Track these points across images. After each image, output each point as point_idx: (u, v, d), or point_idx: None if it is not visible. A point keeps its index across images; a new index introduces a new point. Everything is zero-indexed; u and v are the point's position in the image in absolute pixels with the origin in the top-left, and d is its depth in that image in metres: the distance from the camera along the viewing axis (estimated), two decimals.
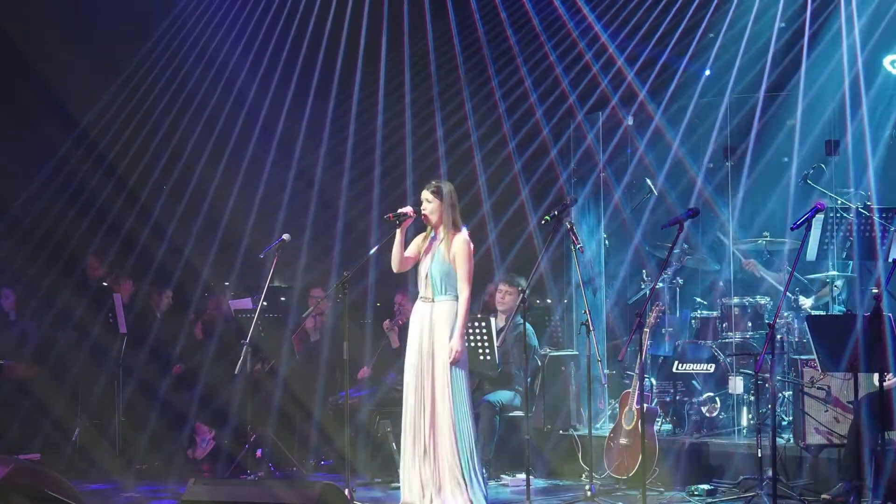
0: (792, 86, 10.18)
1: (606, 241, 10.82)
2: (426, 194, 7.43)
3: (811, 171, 9.19)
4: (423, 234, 7.54)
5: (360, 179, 11.88)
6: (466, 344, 7.60)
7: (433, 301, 7.36)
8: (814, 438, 8.01)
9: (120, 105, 11.66)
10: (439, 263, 7.34)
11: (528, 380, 8.19)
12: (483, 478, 7.39)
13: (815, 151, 9.83)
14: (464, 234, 7.38)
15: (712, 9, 10.57)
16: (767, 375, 7.72)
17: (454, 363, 7.23)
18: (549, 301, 10.91)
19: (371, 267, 10.30)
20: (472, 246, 7.38)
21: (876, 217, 8.70)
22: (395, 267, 7.53)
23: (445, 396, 7.21)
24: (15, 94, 11.09)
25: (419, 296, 7.47)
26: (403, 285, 9.79)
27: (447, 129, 11.65)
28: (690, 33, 10.75)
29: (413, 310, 7.52)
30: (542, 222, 7.92)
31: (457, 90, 11.65)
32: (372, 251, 7.87)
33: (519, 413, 8.63)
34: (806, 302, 9.23)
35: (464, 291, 7.29)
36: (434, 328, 7.30)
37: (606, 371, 9.34)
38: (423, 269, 7.43)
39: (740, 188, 10.18)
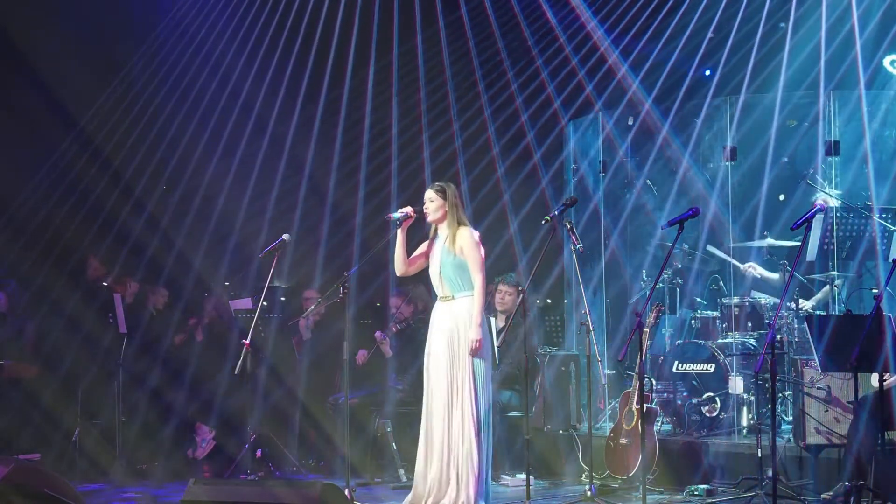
0: (792, 86, 10.19)
1: (607, 242, 10.82)
2: (430, 193, 7.39)
3: (811, 171, 9.18)
4: (430, 239, 7.52)
5: (371, 180, 11.91)
6: None
7: (454, 299, 7.32)
8: (814, 438, 8.00)
9: (120, 105, 11.67)
10: (450, 260, 7.28)
11: (528, 380, 8.18)
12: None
13: (814, 151, 9.83)
14: (468, 227, 7.36)
15: (710, 8, 10.58)
16: (767, 375, 7.71)
17: (474, 354, 7.19)
18: (549, 301, 10.90)
19: (374, 267, 10.30)
20: (477, 235, 7.34)
21: (876, 217, 8.70)
22: (397, 270, 7.49)
23: (470, 396, 7.15)
24: (15, 94, 11.09)
25: (438, 297, 7.45)
26: (399, 287, 9.78)
27: (462, 126, 11.69)
28: (691, 33, 10.76)
29: (433, 311, 7.48)
30: (542, 222, 7.91)
31: (475, 93, 11.69)
32: (371, 252, 7.86)
33: (519, 413, 8.62)
34: (806, 304, 9.22)
35: (477, 280, 7.24)
36: (458, 326, 7.26)
37: (606, 371, 9.34)
38: (434, 270, 7.40)
39: (739, 188, 10.19)
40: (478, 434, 7.14)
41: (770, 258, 9.73)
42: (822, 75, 10.00)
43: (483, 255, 7.31)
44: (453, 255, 7.28)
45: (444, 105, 11.73)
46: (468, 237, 7.29)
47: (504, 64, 11.56)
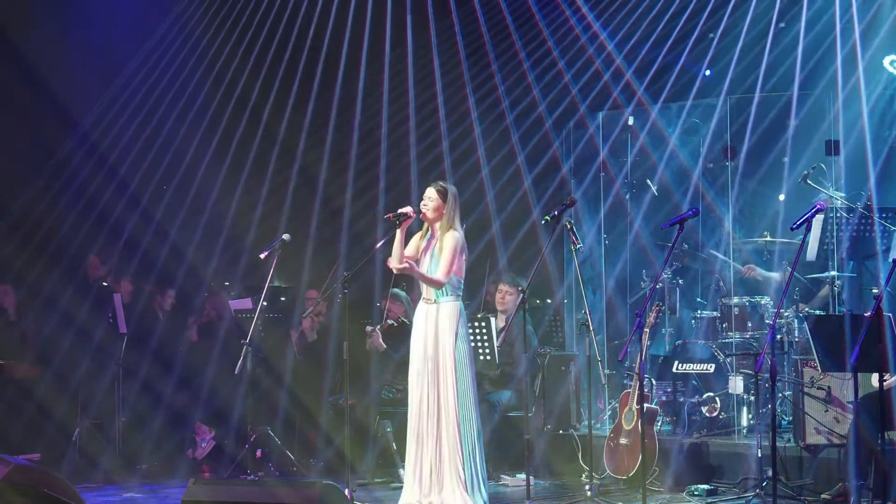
0: (792, 86, 10.19)
1: (606, 241, 10.82)
2: (430, 192, 7.36)
3: (811, 171, 9.19)
4: (421, 234, 7.50)
5: (362, 177, 11.88)
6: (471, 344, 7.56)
7: (436, 302, 7.32)
8: (814, 438, 8.00)
9: (121, 105, 11.66)
10: (437, 263, 7.29)
11: (528, 380, 8.18)
12: (485, 482, 7.37)
13: (815, 151, 9.83)
14: (455, 232, 7.32)
15: (709, 9, 10.58)
16: (767, 375, 7.71)
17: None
18: (549, 301, 10.90)
19: (373, 267, 10.28)
20: (462, 241, 7.30)
21: (876, 217, 8.70)
22: (395, 268, 7.50)
23: (451, 397, 7.16)
24: (15, 94, 11.08)
25: (422, 297, 7.43)
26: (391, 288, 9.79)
27: (450, 125, 11.66)
28: (691, 34, 10.76)
29: (416, 311, 7.47)
30: (543, 222, 7.91)
31: (460, 85, 11.65)
32: (371, 252, 7.86)
33: (519, 413, 8.62)
34: (806, 307, 9.23)
35: (437, 274, 7.19)
36: (438, 330, 7.25)
37: (606, 371, 9.34)
38: (422, 270, 7.38)
39: (739, 188, 10.19)
40: (460, 433, 7.14)
41: (770, 258, 9.74)
42: (822, 75, 10.01)
43: (454, 263, 7.23)
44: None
45: (433, 104, 11.72)
46: (450, 241, 7.24)
47: (492, 65, 11.52)
